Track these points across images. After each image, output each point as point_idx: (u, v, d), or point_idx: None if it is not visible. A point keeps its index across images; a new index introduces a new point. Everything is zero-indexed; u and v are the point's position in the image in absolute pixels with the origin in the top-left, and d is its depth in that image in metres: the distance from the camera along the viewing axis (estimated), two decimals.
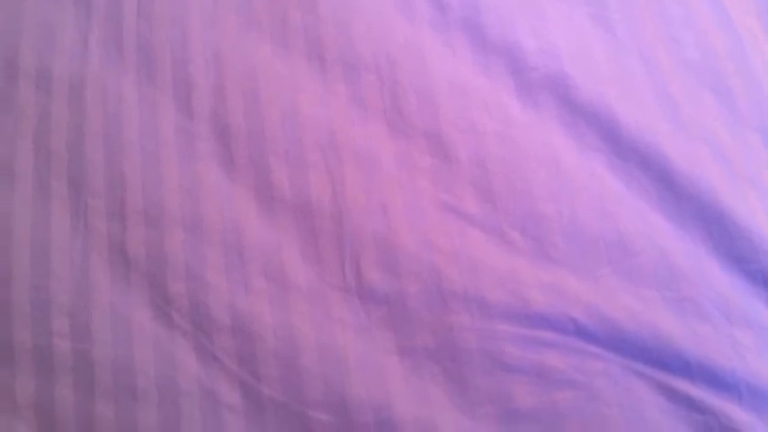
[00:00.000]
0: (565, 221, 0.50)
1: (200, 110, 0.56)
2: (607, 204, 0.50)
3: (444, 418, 0.47)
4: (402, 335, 0.49)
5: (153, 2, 0.60)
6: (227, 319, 0.50)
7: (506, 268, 0.49)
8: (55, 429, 0.49)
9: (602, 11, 0.56)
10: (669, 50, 0.54)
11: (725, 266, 0.48)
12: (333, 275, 0.51)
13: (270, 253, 0.52)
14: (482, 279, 0.49)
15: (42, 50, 0.59)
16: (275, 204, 0.53)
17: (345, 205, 0.52)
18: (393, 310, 0.50)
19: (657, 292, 0.48)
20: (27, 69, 0.59)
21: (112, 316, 0.51)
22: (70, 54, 0.59)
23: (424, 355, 0.49)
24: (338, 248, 0.51)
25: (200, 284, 0.51)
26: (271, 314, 0.50)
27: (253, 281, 0.51)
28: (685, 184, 0.50)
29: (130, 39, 0.59)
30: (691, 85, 0.53)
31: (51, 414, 0.49)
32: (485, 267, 0.49)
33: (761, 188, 0.50)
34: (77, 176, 0.55)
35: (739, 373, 0.46)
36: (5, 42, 0.60)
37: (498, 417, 0.47)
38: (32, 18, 0.61)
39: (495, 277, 0.49)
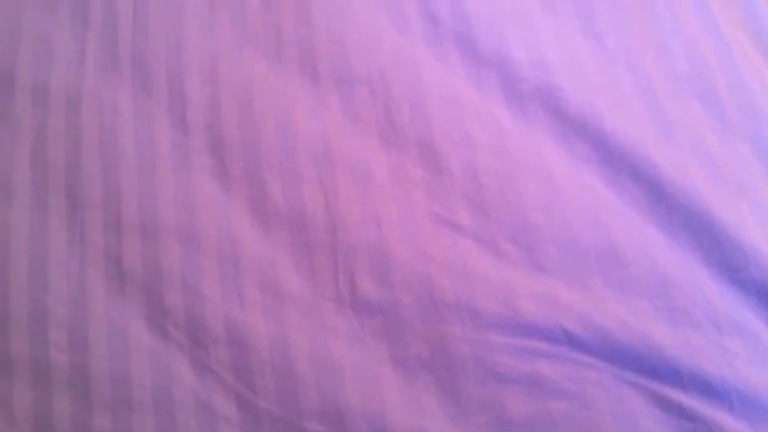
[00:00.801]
0: (557, 232, 0.50)
1: (195, 123, 0.56)
2: (598, 214, 0.51)
3: (438, 428, 0.47)
4: (396, 345, 0.50)
5: (149, 16, 0.61)
6: (222, 331, 0.51)
7: (499, 279, 0.50)
8: None
9: (591, 23, 0.56)
10: (658, 61, 0.55)
11: (715, 276, 0.49)
12: (327, 287, 0.51)
13: (264, 265, 0.52)
14: (475, 289, 0.50)
15: (39, 64, 0.60)
16: (270, 217, 0.53)
17: (339, 217, 0.52)
18: (387, 321, 0.50)
19: (649, 302, 0.48)
20: (24, 83, 0.59)
21: (109, 329, 0.51)
22: (67, 67, 0.60)
23: (417, 365, 0.49)
24: (332, 260, 0.52)
25: (195, 297, 0.51)
26: (265, 326, 0.50)
27: (248, 293, 0.51)
28: (675, 194, 0.51)
29: (126, 52, 0.60)
30: (680, 96, 0.53)
31: (49, 425, 0.50)
32: (477, 278, 0.50)
33: (750, 197, 0.51)
34: (74, 190, 0.55)
35: (730, 381, 0.46)
36: (2, 56, 0.60)
37: (491, 426, 0.47)
38: (29, 32, 0.61)
39: (487, 287, 0.49)
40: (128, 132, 0.57)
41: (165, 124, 0.57)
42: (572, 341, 0.48)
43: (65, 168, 0.56)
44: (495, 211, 0.51)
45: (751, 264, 0.49)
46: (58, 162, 0.56)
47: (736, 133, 0.52)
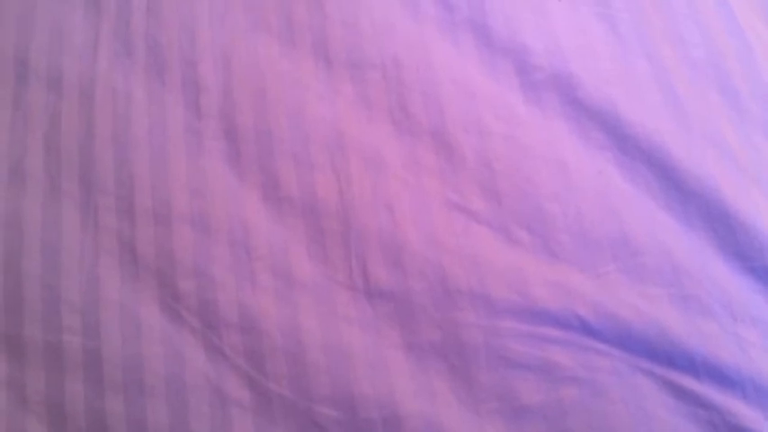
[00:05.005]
0: (570, 220, 0.50)
1: (208, 109, 0.57)
2: (612, 202, 0.50)
3: (449, 415, 0.47)
4: (408, 331, 0.50)
5: (161, 2, 0.61)
6: (234, 316, 0.51)
7: (512, 266, 0.50)
8: (66, 424, 0.50)
9: (607, 10, 0.56)
10: (675, 49, 0.54)
11: (729, 264, 0.49)
12: (339, 273, 0.51)
13: (277, 251, 0.52)
14: (487, 276, 0.49)
15: (53, 51, 0.60)
16: (282, 203, 0.53)
17: (352, 204, 0.52)
18: (399, 307, 0.50)
19: (662, 290, 0.48)
20: (38, 70, 0.59)
21: (122, 313, 0.52)
22: (80, 54, 0.60)
23: (429, 352, 0.49)
24: (345, 246, 0.52)
25: (208, 282, 0.52)
26: (277, 311, 0.50)
27: (260, 278, 0.51)
28: (690, 183, 0.50)
29: (139, 39, 0.60)
30: (696, 84, 0.53)
31: (61, 409, 0.50)
32: (490, 265, 0.50)
33: (765, 186, 0.50)
34: (87, 176, 0.56)
35: (744, 370, 0.46)
36: (16, 43, 0.60)
37: (503, 413, 0.47)
38: (43, 19, 0.61)
39: (500, 274, 0.49)
40: (141, 119, 0.57)
41: (179, 111, 0.57)
42: (585, 328, 0.48)
43: (78, 155, 0.56)
44: (509, 199, 0.51)
45: (766, 253, 0.48)
46: (72, 148, 0.57)
47: (751, 122, 0.52)
